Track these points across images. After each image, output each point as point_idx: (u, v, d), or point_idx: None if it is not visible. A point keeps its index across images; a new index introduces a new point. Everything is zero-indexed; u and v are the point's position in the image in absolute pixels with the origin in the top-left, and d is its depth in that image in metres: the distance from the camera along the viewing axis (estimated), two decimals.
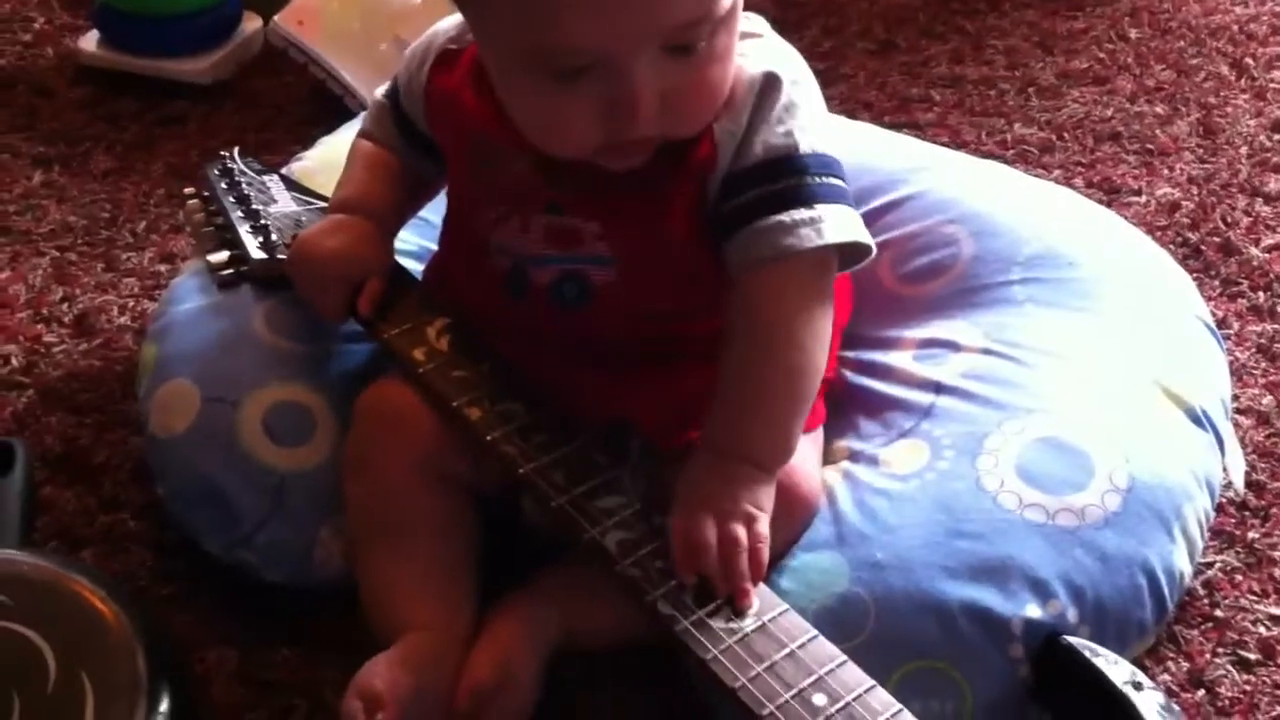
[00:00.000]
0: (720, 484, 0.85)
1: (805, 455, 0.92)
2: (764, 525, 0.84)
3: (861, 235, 0.88)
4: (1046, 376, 1.01)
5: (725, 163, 0.87)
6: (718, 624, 0.80)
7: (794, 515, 0.90)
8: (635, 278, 0.92)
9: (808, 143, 0.88)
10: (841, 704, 0.76)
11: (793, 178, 0.87)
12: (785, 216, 0.86)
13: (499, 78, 0.87)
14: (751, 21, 0.91)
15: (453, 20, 0.98)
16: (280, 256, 1.05)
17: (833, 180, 0.88)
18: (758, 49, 0.89)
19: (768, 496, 0.86)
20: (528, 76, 0.83)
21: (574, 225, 0.91)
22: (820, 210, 0.86)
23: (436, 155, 1.01)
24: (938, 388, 1.01)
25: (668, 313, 0.94)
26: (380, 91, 1.06)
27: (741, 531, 0.83)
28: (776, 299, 0.87)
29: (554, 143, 0.87)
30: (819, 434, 0.98)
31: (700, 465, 0.86)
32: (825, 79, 1.02)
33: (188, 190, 1.16)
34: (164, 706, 0.81)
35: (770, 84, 0.87)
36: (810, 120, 0.89)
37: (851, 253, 0.89)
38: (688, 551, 0.82)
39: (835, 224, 0.86)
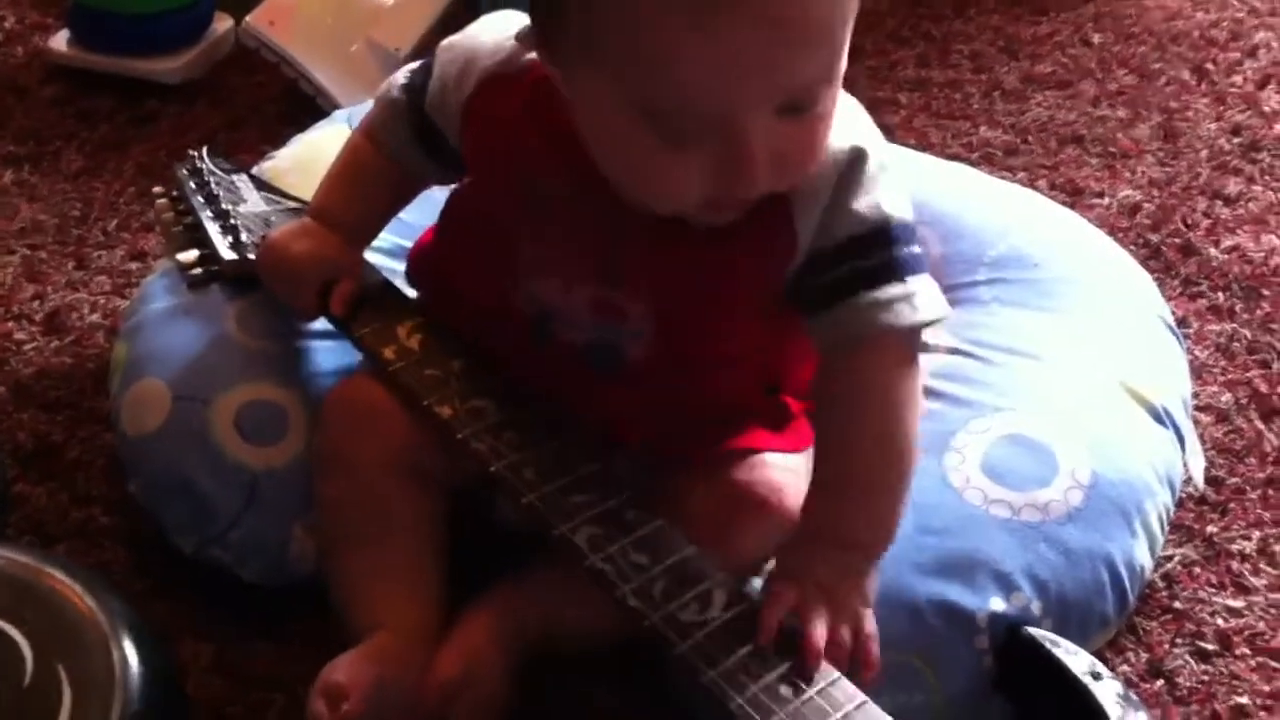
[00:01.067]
0: (833, 576, 0.83)
1: (800, 476, 0.90)
2: (871, 622, 0.82)
3: (946, 310, 0.87)
4: (1012, 375, 1.02)
5: (807, 239, 0.85)
6: (687, 617, 0.80)
7: (784, 533, 0.89)
8: (670, 349, 0.90)
9: (895, 212, 0.85)
10: (807, 695, 0.77)
11: (884, 251, 0.84)
12: (880, 294, 0.84)
13: (595, 130, 0.83)
14: None
15: (493, 38, 0.92)
16: (250, 256, 1.05)
17: (916, 249, 0.86)
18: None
19: (874, 586, 0.85)
20: (633, 133, 0.79)
21: (621, 303, 0.89)
22: (912, 284, 0.84)
23: (445, 160, 0.97)
24: None
25: (694, 373, 0.92)
26: (397, 85, 0.99)
27: (847, 634, 0.81)
28: (875, 378, 0.85)
29: (655, 198, 0.83)
30: (809, 454, 0.94)
31: (809, 552, 0.84)
32: None
33: (157, 190, 1.15)
34: (141, 701, 0.81)
35: (857, 159, 0.85)
36: (891, 186, 0.86)
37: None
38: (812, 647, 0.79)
39: (926, 299, 0.85)
